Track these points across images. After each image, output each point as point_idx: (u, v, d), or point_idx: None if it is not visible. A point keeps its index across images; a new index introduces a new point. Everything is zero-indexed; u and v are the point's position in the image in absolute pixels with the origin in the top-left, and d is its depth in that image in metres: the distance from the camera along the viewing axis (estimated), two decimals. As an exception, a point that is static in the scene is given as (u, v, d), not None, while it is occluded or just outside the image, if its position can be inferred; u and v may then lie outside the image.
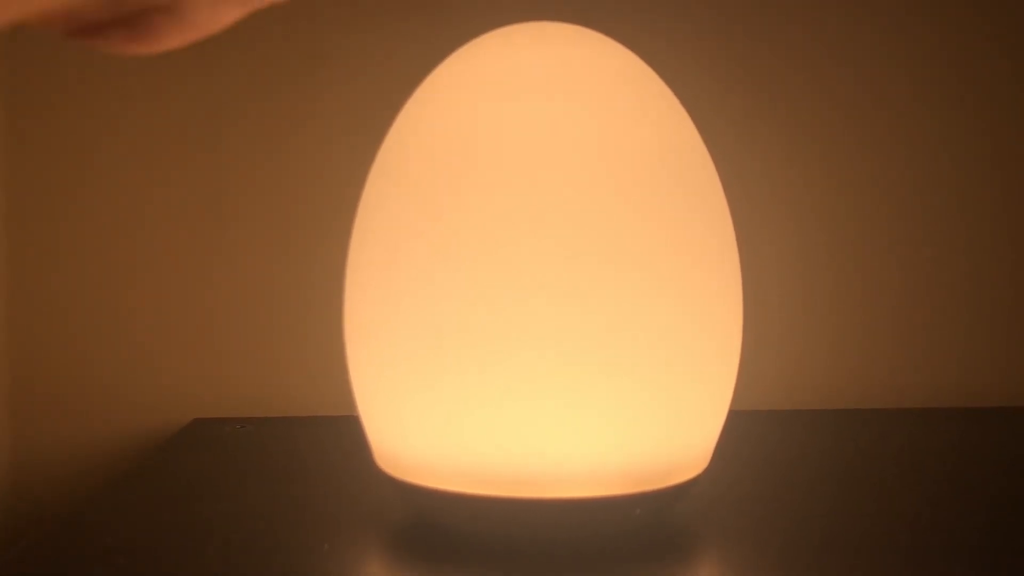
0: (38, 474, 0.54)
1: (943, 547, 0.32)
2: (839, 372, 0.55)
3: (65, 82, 0.53)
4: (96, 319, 0.54)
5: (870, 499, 0.37)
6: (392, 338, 0.29)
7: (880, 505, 0.36)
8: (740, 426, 0.35)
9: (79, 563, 0.31)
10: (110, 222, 0.54)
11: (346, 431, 0.37)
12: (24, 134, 0.53)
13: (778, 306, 0.54)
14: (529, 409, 0.28)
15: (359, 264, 0.31)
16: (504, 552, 0.30)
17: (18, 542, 0.33)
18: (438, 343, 0.28)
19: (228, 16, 0.20)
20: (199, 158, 0.54)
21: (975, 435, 0.49)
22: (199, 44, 0.20)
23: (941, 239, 0.56)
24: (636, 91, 0.31)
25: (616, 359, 0.28)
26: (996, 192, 0.56)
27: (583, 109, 0.29)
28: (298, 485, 0.40)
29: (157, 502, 0.38)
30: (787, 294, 0.54)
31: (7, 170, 0.53)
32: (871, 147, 0.55)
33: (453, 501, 0.29)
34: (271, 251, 0.54)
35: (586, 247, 0.28)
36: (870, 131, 0.55)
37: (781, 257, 0.54)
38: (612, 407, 0.28)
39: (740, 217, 0.32)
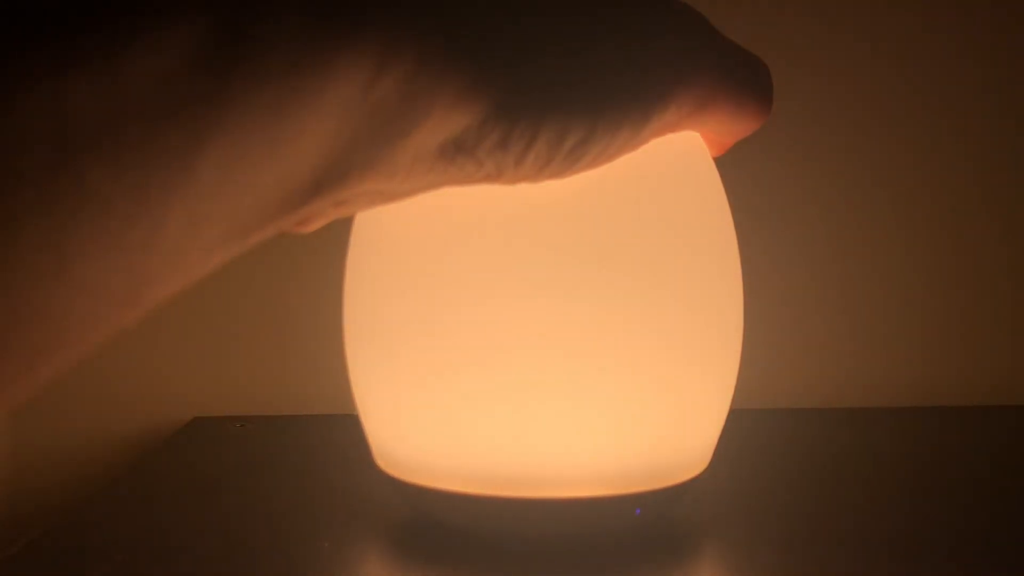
0: (38, 472, 0.54)
1: (946, 544, 0.32)
2: (841, 370, 0.55)
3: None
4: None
5: (873, 497, 0.37)
6: (392, 337, 0.29)
7: (883, 503, 0.36)
8: (741, 425, 0.35)
9: (79, 561, 0.31)
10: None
11: (346, 430, 0.37)
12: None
13: (780, 304, 0.54)
14: (529, 408, 0.28)
15: (359, 262, 0.31)
16: (503, 552, 0.30)
17: (18, 540, 0.33)
18: (438, 342, 0.28)
19: (376, 205, 0.22)
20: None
21: (981, 433, 0.49)
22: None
23: (944, 237, 0.56)
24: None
25: (616, 358, 0.28)
26: (997, 191, 0.56)
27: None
28: (298, 483, 0.40)
29: (157, 500, 0.38)
30: (789, 292, 0.54)
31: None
32: (872, 145, 0.55)
33: (453, 501, 0.29)
34: (271, 247, 0.54)
35: (585, 244, 0.28)
36: (871, 129, 0.55)
37: (783, 254, 0.54)
38: (612, 406, 0.28)
39: (741, 212, 0.32)
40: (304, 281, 0.54)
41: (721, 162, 0.31)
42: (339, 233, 0.33)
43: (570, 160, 0.23)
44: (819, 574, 0.30)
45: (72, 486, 0.54)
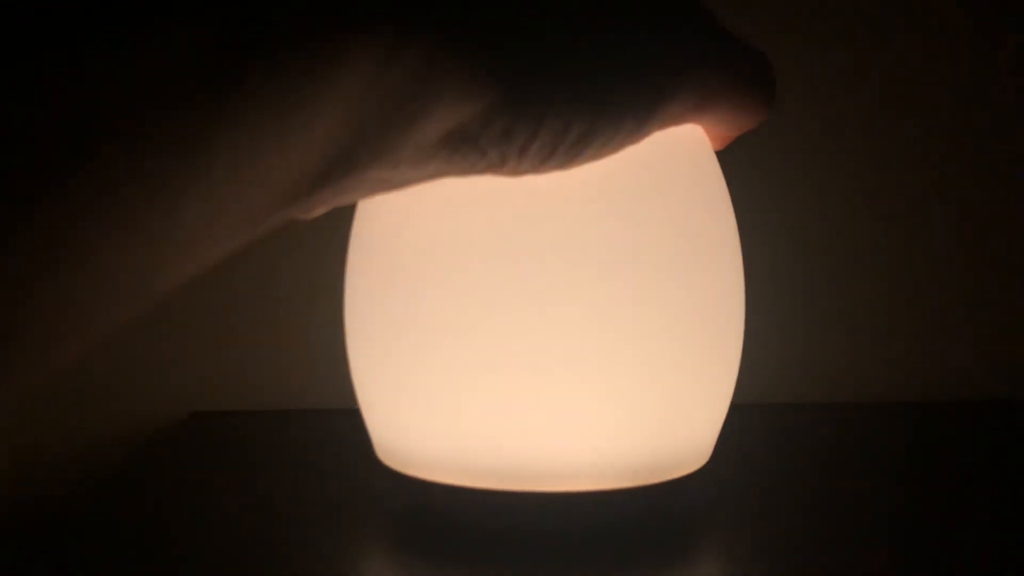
0: (36, 468, 0.54)
1: (948, 540, 0.32)
2: (842, 365, 0.55)
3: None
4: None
5: (873, 492, 0.37)
6: (393, 331, 0.29)
7: (884, 498, 0.36)
8: (742, 420, 0.35)
9: (78, 556, 0.31)
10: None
11: (347, 424, 0.37)
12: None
13: (781, 298, 0.54)
14: (530, 402, 0.28)
15: (360, 255, 0.31)
16: (504, 546, 0.30)
17: (17, 535, 0.33)
18: (439, 335, 0.28)
19: (378, 193, 0.22)
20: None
21: (983, 428, 0.49)
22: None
23: (949, 231, 0.56)
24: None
25: (616, 353, 0.28)
26: (995, 189, 0.56)
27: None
28: (298, 478, 0.39)
29: (156, 495, 0.38)
30: (790, 286, 0.54)
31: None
32: (871, 143, 0.55)
33: (454, 494, 0.29)
34: (271, 243, 0.54)
35: (586, 237, 0.28)
36: (870, 126, 0.55)
37: (785, 248, 0.54)
38: (613, 401, 0.28)
39: (742, 207, 0.32)
40: (304, 274, 0.53)
41: (723, 155, 0.31)
42: (340, 226, 0.33)
43: (573, 152, 0.23)
44: (819, 568, 0.30)
45: (71, 480, 0.54)
